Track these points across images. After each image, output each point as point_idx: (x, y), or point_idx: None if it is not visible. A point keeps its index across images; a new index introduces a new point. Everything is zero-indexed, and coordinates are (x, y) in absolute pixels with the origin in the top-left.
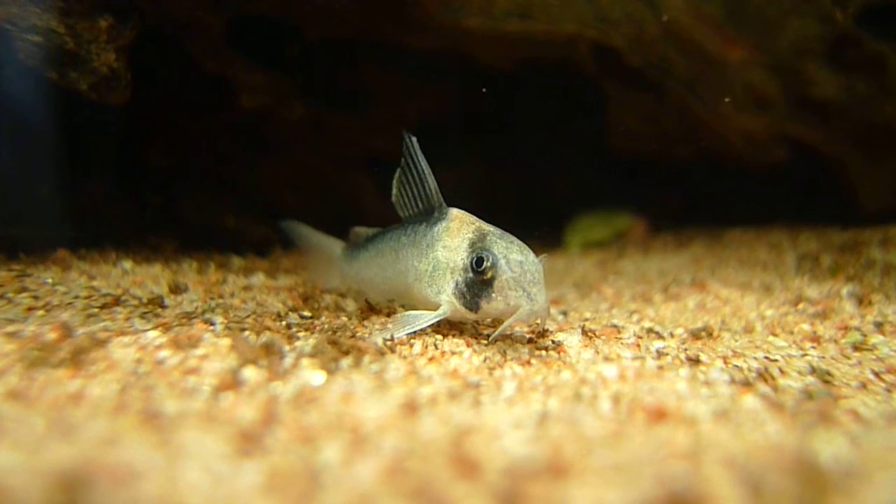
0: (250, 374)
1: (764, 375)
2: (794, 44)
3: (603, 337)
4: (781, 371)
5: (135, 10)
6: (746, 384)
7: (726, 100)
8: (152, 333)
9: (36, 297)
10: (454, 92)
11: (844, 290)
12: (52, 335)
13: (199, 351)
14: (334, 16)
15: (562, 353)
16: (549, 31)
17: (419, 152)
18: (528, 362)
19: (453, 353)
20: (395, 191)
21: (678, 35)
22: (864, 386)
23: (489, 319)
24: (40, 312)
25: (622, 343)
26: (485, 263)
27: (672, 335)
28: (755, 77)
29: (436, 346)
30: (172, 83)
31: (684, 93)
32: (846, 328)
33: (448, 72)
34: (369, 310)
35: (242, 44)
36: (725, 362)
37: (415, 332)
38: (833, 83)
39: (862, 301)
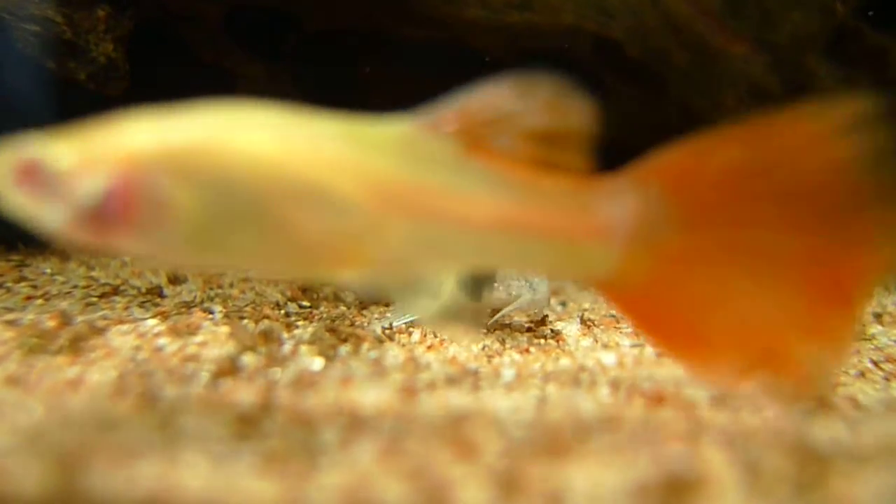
0: (249, 360)
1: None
2: (794, 36)
3: (602, 326)
4: None
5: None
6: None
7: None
8: (151, 322)
9: (35, 287)
10: (453, 83)
11: None
12: (50, 323)
13: (198, 338)
14: (333, 6)
15: (560, 342)
16: (548, 23)
17: None
18: (527, 350)
19: (452, 341)
20: None
21: (678, 26)
22: (862, 374)
23: (489, 309)
24: (39, 301)
25: (621, 332)
26: None
27: None
28: (755, 69)
29: (435, 335)
30: (171, 74)
31: (684, 84)
32: None
33: (448, 63)
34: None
35: (240, 34)
36: None
37: (414, 322)
38: (833, 76)
39: None
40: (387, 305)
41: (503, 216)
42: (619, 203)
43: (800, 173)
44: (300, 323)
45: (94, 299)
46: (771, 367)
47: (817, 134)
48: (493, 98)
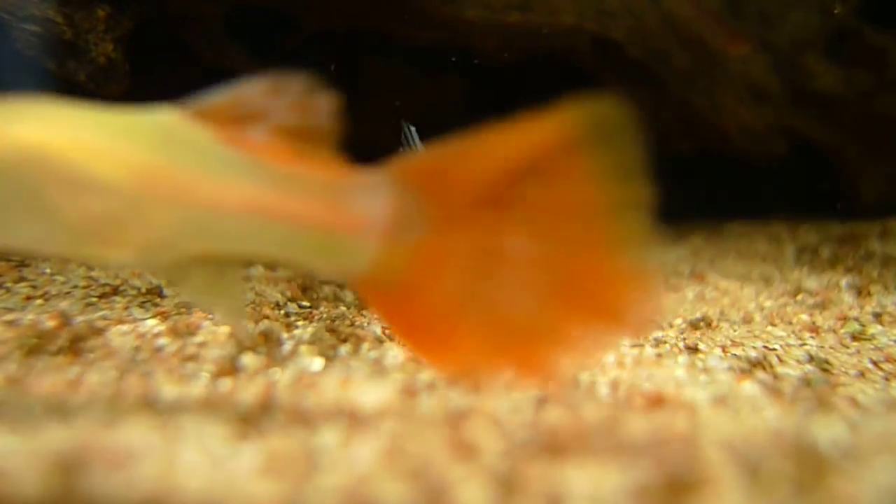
0: (249, 360)
1: (762, 363)
2: (794, 36)
3: None
4: (780, 359)
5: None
6: (745, 372)
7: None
8: (151, 322)
9: (34, 287)
10: (454, 83)
11: (843, 282)
12: (50, 323)
13: (198, 339)
14: (333, 7)
15: None
16: (548, 23)
17: (418, 141)
18: None
19: None
20: None
21: (678, 26)
22: (862, 374)
23: None
24: (39, 301)
25: None
26: None
27: (671, 325)
28: (755, 69)
29: None
30: (171, 74)
31: (684, 85)
32: (845, 318)
33: (447, 63)
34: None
35: (240, 35)
36: (724, 351)
37: None
38: (833, 75)
39: (861, 292)
40: None
41: (257, 202)
42: (373, 197)
43: (553, 180)
44: (300, 323)
45: (94, 299)
46: (519, 372)
47: (568, 140)
48: (247, 95)
